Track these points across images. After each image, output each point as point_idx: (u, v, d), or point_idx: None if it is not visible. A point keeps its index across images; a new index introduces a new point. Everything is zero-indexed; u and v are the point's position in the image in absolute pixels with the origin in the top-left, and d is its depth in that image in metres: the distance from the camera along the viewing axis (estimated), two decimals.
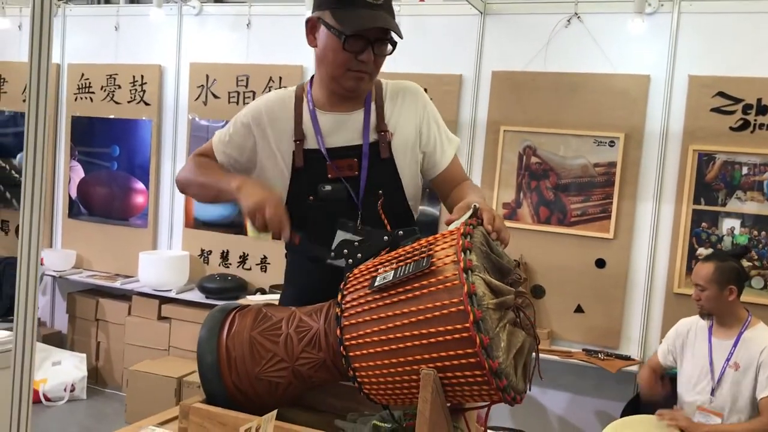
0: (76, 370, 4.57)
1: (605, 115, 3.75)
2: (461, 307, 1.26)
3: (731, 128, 3.51)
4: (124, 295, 4.81)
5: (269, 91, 4.52)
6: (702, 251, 3.57)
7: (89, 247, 5.11)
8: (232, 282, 4.51)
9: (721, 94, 3.53)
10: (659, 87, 3.66)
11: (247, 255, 4.66)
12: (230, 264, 4.71)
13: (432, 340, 1.28)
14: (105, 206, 5.06)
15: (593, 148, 3.78)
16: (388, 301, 1.35)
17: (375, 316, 1.35)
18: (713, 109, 3.54)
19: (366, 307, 1.38)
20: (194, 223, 4.81)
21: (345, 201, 1.71)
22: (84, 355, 4.69)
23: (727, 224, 3.54)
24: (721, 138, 3.53)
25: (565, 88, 3.83)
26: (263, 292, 4.44)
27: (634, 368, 3.60)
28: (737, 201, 3.51)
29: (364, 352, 1.36)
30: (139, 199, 4.95)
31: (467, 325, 1.25)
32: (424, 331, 1.29)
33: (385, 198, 1.71)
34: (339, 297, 1.44)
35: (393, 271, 1.38)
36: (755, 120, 3.47)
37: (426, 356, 1.29)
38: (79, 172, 5.15)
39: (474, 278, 1.28)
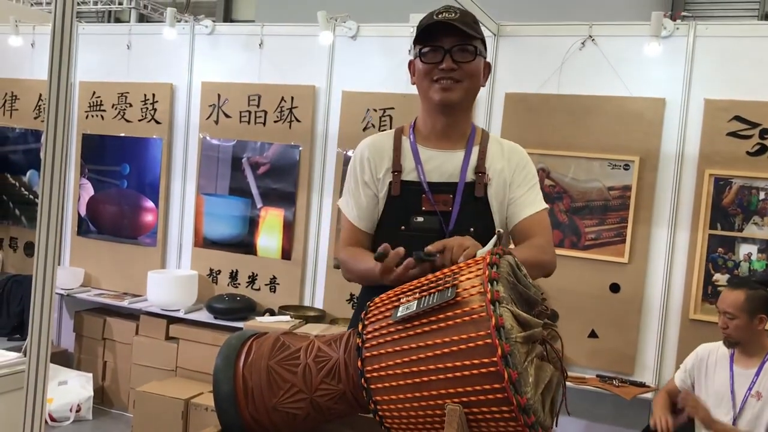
0: (83, 390, 4.53)
1: (620, 139, 3.72)
2: (488, 341, 1.22)
3: (748, 153, 3.48)
4: (131, 315, 4.77)
5: (281, 111, 4.55)
6: (719, 277, 3.52)
7: (98, 265, 5.09)
8: (240, 302, 4.47)
9: (737, 118, 3.49)
10: (675, 110, 3.63)
11: (257, 275, 4.62)
12: (239, 284, 4.67)
13: (457, 374, 1.24)
14: (114, 224, 5.04)
15: (608, 171, 3.74)
16: (411, 333, 1.31)
17: (398, 348, 1.32)
18: (729, 134, 3.51)
19: (388, 338, 1.34)
20: (203, 242, 4.78)
21: (435, 233, 1.73)
22: (90, 374, 4.65)
23: (744, 249, 3.49)
24: (737, 162, 3.49)
25: (579, 111, 3.80)
26: (272, 312, 4.40)
27: (649, 395, 3.53)
28: (754, 226, 3.47)
29: (386, 385, 1.32)
30: (149, 218, 4.93)
31: (495, 359, 1.21)
32: (449, 365, 1.25)
33: (475, 236, 1.69)
34: (360, 327, 1.40)
35: (416, 302, 1.35)
36: None
37: (451, 391, 1.25)
38: (89, 190, 5.14)
39: (501, 310, 1.24)
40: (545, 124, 3.87)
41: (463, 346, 1.24)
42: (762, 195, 3.45)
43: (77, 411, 4.44)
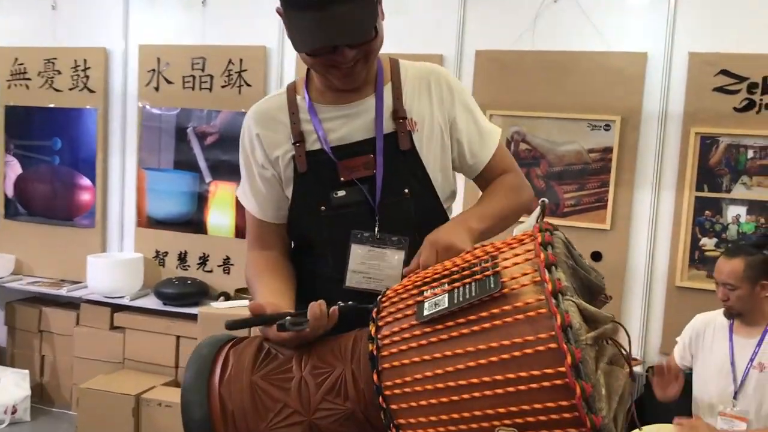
0: (18, 389, 4.10)
1: (599, 97, 3.48)
2: (552, 345, 0.94)
3: (735, 109, 3.28)
4: (70, 304, 4.35)
5: (229, 75, 4.16)
6: (706, 241, 3.34)
7: (30, 250, 4.63)
8: (192, 286, 4.11)
9: (724, 72, 3.28)
10: (657, 65, 3.40)
11: (208, 256, 4.26)
12: (189, 266, 4.30)
13: (510, 389, 0.96)
14: (46, 205, 4.58)
15: (587, 132, 3.50)
16: (444, 336, 1.02)
17: (426, 357, 1.02)
18: (716, 89, 3.30)
19: (413, 344, 1.04)
20: (148, 221, 4.38)
21: (363, 206, 1.40)
22: (27, 371, 4.22)
23: (732, 212, 3.30)
24: (724, 119, 3.29)
25: (555, 68, 3.54)
26: (227, 297, 4.07)
27: (636, 368, 3.35)
28: (742, 187, 3.28)
29: (413, 404, 1.03)
30: (85, 197, 4.50)
31: (562, 368, 0.93)
32: (498, 378, 0.96)
33: (412, 198, 1.40)
34: (372, 329, 1.10)
35: (447, 295, 1.05)
36: (761, 100, 3.24)
37: (501, 410, 0.97)
38: (15, 168, 4.65)
39: (566, 305, 0.95)
40: (519, 84, 3.59)
41: (516, 353, 0.96)
42: (750, 153, 3.26)
43: (13, 413, 4.03)
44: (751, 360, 2.63)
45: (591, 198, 3.53)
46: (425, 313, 1.04)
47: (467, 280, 1.04)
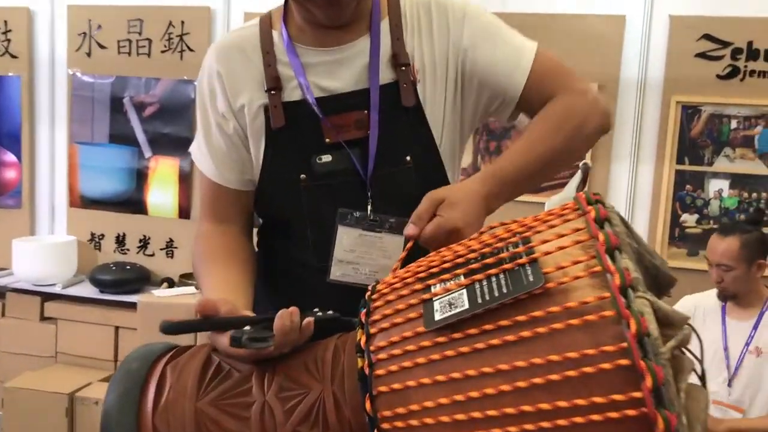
0: None
1: (574, 63, 3.15)
2: (623, 362, 0.67)
3: (718, 76, 3.08)
4: None
5: (169, 39, 3.79)
6: (687, 217, 3.14)
7: None
8: (131, 272, 3.75)
9: (707, 37, 3.08)
10: (636, 29, 3.18)
11: (149, 238, 3.91)
12: (128, 250, 3.94)
13: (561, 422, 0.69)
14: None
15: None
16: (464, 349, 0.74)
17: (441, 378, 0.74)
18: (698, 55, 3.09)
19: (421, 360, 0.76)
20: (81, 201, 4.00)
21: (351, 176, 1.11)
22: None
23: (714, 186, 3.11)
24: (707, 87, 3.09)
25: (528, 32, 3.26)
26: (171, 283, 3.73)
27: None
28: (725, 159, 3.09)
29: None
30: (10, 174, 4.08)
31: (638, 394, 0.66)
32: (544, 407, 0.69)
33: (414, 169, 1.12)
34: (362, 338, 0.82)
35: (464, 291, 0.77)
36: (745, 66, 3.05)
37: None
38: None
39: (640, 305, 0.68)
40: None
41: (570, 373, 0.68)
42: (734, 123, 3.07)
43: None
44: (747, 344, 2.45)
45: (565, 171, 3.30)
46: (437, 316, 0.75)
47: (492, 271, 0.76)
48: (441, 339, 0.74)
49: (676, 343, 0.70)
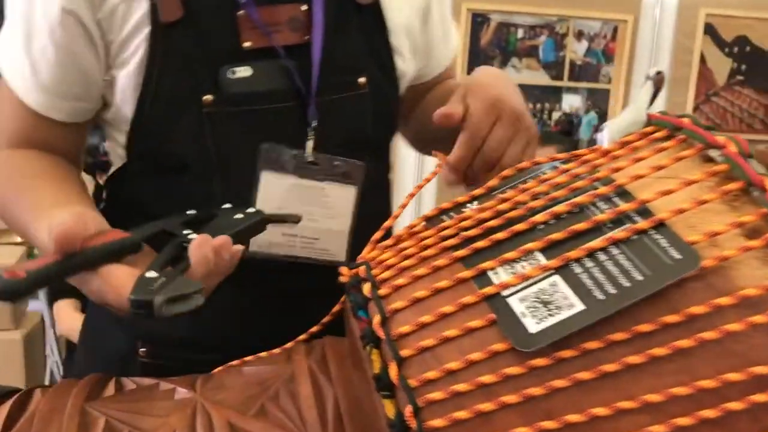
0: None
1: None
2: None
3: None
4: None
5: None
6: None
7: None
8: None
9: None
10: None
11: None
12: None
13: None
14: None
15: None
16: (584, 375, 0.47)
17: (550, 425, 0.46)
18: None
19: (510, 398, 0.47)
20: None
21: (283, 101, 0.75)
22: None
23: None
24: None
25: None
26: None
27: None
28: (512, 70, 3.08)
29: None
30: None
31: None
32: None
33: (370, 93, 0.79)
34: (391, 368, 0.50)
35: (556, 276, 0.50)
36: None
37: None
38: None
39: None
40: None
41: (759, 398, 0.45)
42: (520, 33, 3.05)
43: None
44: None
45: None
46: (531, 325, 0.47)
47: (595, 244, 0.49)
48: (540, 361, 0.46)
49: None
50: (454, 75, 0.99)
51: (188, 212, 0.62)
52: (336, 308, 0.63)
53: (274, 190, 0.74)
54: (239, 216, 0.61)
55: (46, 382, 2.32)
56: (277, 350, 0.62)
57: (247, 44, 0.73)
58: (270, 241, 0.74)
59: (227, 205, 0.64)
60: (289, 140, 0.75)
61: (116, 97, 0.74)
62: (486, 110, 0.66)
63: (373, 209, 0.80)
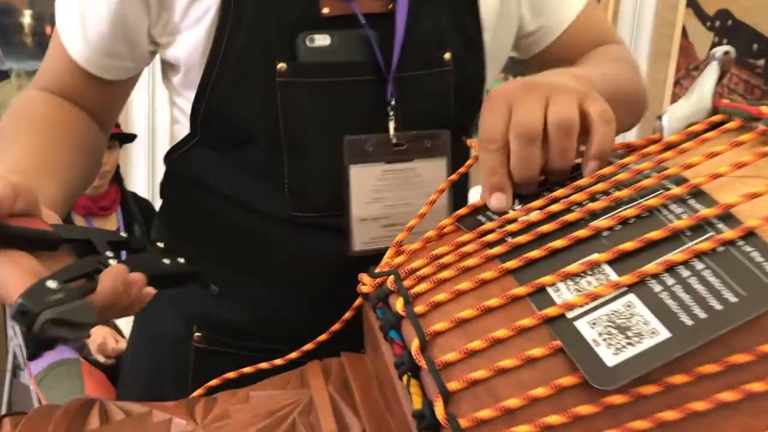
0: None
1: None
2: None
3: None
4: None
5: None
6: None
7: None
8: None
9: None
10: None
11: None
12: None
13: None
14: None
15: None
16: (668, 415, 0.39)
17: None
18: None
19: None
20: None
21: (362, 73, 0.69)
22: None
23: None
24: None
25: None
26: None
27: None
28: None
29: None
30: None
31: None
32: None
33: (454, 69, 0.72)
34: (437, 404, 0.42)
35: (631, 296, 0.42)
36: None
37: None
38: None
39: None
40: None
41: None
42: None
43: None
44: None
45: None
46: (608, 357, 0.39)
47: (676, 257, 0.42)
48: (617, 399, 0.39)
49: None
50: (606, 37, 0.85)
51: (122, 233, 0.55)
52: (347, 315, 0.56)
53: (364, 182, 0.68)
54: (167, 261, 0.55)
55: (8, 366, 2.21)
56: (285, 370, 0.54)
57: (325, 10, 0.67)
58: (371, 236, 0.70)
59: (161, 244, 0.57)
60: (364, 119, 0.68)
61: (183, 61, 0.69)
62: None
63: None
